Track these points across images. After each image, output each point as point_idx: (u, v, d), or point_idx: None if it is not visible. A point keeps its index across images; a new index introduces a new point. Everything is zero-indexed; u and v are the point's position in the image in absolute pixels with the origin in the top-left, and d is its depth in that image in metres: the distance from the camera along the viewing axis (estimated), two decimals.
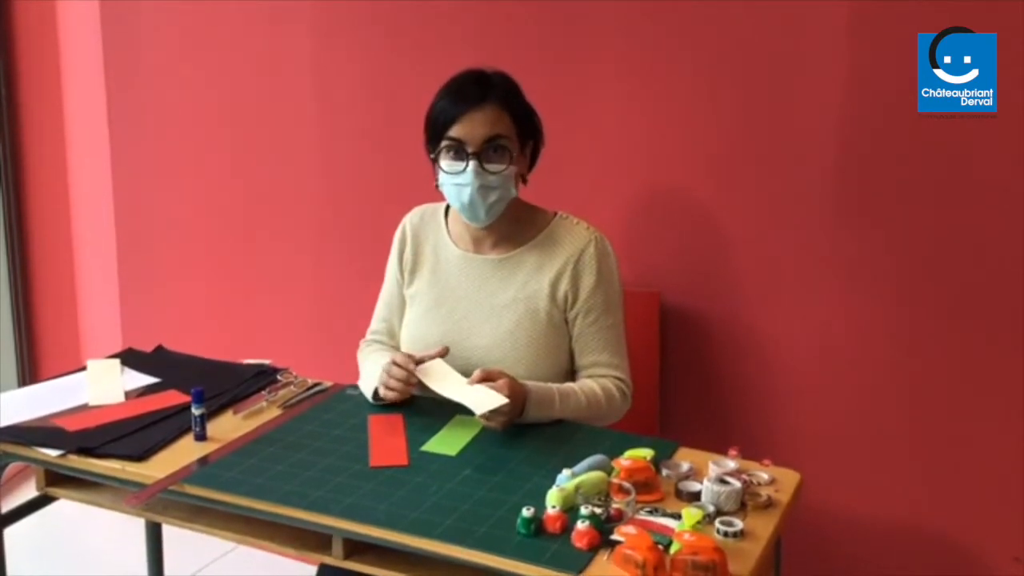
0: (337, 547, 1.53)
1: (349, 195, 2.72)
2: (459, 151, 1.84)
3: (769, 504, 1.55)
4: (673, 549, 1.36)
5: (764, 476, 1.63)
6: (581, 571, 1.36)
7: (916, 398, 2.15)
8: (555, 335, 1.93)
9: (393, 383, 1.83)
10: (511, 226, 1.96)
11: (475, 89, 1.86)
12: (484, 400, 1.72)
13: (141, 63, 2.99)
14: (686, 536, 1.36)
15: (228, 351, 2.23)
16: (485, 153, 1.84)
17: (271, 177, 2.83)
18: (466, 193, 1.85)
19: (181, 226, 3.03)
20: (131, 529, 2.37)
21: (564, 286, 1.92)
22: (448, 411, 1.82)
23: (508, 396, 1.72)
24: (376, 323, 2.11)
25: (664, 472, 1.62)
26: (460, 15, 2.45)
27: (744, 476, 1.59)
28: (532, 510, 1.45)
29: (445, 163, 1.87)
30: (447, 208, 2.05)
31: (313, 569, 1.89)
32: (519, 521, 1.45)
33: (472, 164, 1.83)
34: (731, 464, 1.63)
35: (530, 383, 1.81)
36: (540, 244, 1.95)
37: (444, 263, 2.00)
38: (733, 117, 2.21)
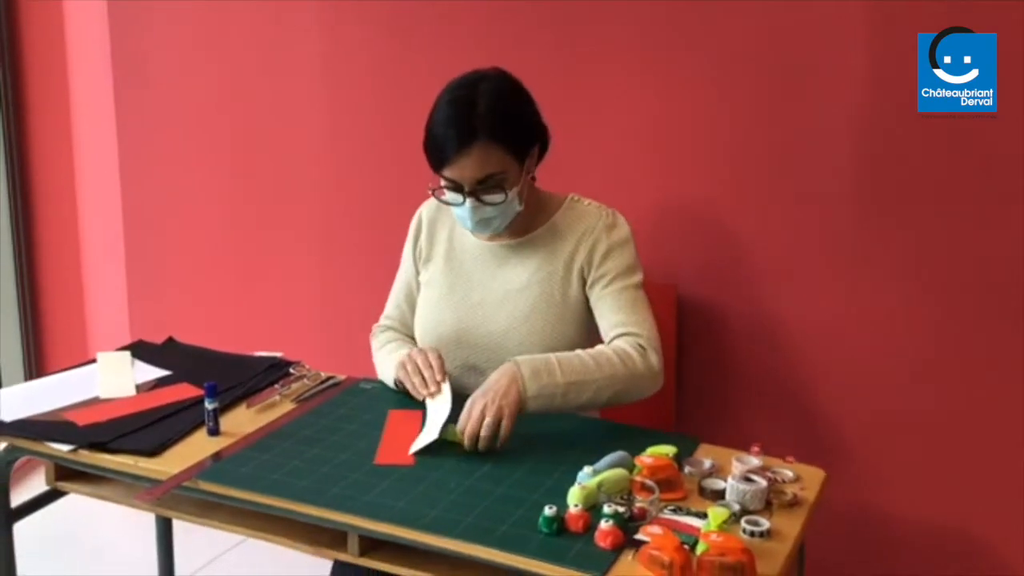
0: (353, 544, 1.51)
1: (358, 188, 2.70)
2: (456, 187, 1.82)
3: (795, 503, 1.52)
4: (700, 550, 1.33)
5: (789, 474, 1.60)
6: (605, 572, 1.34)
7: (938, 391, 2.12)
8: (574, 318, 1.90)
9: (427, 374, 1.80)
10: (525, 216, 1.94)
11: (461, 126, 1.77)
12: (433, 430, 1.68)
13: (149, 61, 2.97)
14: (713, 536, 1.33)
15: (237, 343, 2.20)
16: (481, 188, 1.81)
17: (280, 170, 2.81)
18: (468, 222, 1.86)
19: (189, 217, 3.01)
20: (141, 520, 2.35)
21: (580, 261, 1.90)
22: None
23: (491, 396, 1.68)
24: (390, 309, 2.10)
25: (687, 469, 1.59)
26: (469, 13, 2.43)
27: (769, 474, 1.56)
28: (554, 508, 1.42)
29: (446, 194, 1.85)
30: None
31: (325, 560, 1.86)
32: (541, 520, 1.42)
33: (469, 201, 1.81)
34: (755, 461, 1.60)
35: (520, 357, 1.74)
36: (553, 226, 1.94)
37: (459, 250, 1.98)
38: (746, 112, 2.19)
